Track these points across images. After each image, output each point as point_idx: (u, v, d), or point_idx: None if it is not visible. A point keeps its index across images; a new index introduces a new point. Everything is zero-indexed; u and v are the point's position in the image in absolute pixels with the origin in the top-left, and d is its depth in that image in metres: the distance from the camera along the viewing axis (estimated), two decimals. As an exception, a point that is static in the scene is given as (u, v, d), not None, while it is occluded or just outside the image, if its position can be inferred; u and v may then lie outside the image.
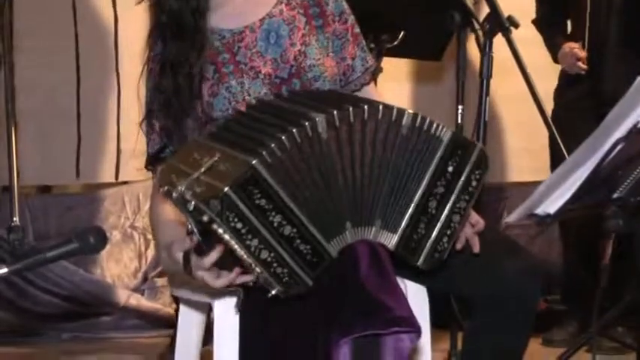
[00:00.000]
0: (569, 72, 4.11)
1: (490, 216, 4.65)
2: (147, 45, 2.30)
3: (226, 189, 1.86)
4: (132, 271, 4.51)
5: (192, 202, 1.89)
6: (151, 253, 4.54)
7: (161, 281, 4.42)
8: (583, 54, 4.05)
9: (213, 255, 1.94)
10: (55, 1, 4.38)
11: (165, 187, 1.99)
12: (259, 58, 2.27)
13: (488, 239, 2.23)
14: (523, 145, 4.95)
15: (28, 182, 4.39)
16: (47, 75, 4.34)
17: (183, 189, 1.91)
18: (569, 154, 2.95)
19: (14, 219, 3.17)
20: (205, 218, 1.88)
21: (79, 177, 4.45)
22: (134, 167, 4.22)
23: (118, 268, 4.49)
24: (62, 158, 4.40)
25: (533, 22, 4.18)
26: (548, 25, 4.21)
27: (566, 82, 4.16)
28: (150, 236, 4.49)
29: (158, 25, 2.28)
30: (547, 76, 4.16)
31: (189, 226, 1.95)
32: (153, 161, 2.32)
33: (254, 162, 1.88)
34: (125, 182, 4.57)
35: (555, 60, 4.18)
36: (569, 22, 4.27)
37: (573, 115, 3.97)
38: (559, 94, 4.17)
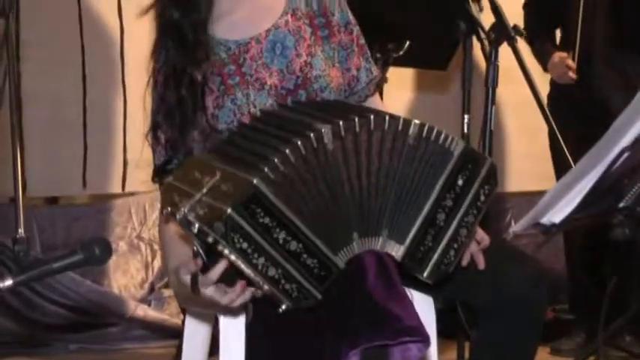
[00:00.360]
0: (558, 81, 4.10)
1: (495, 224, 4.65)
2: (152, 56, 2.29)
3: (229, 210, 1.84)
4: (138, 281, 4.51)
5: (196, 225, 1.88)
6: (157, 263, 4.54)
7: (168, 292, 4.42)
8: (573, 64, 4.04)
9: (219, 267, 1.93)
10: (62, 11, 4.39)
11: (168, 209, 1.97)
12: (265, 70, 2.25)
13: (494, 248, 2.22)
14: (528, 154, 4.94)
15: (35, 194, 4.39)
16: (53, 85, 4.35)
17: (186, 211, 1.90)
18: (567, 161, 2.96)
19: (19, 230, 3.17)
20: (210, 240, 1.87)
21: (85, 188, 4.46)
22: (140, 178, 4.25)
23: (125, 278, 4.49)
24: (68, 169, 4.41)
25: None
26: (537, 34, 4.19)
27: (557, 91, 4.14)
28: (156, 247, 4.49)
29: (162, 36, 2.28)
30: (547, 83, 4.16)
31: (195, 248, 1.94)
32: (159, 173, 2.31)
33: (255, 181, 1.86)
34: (132, 193, 4.58)
35: (545, 69, 4.17)
36: (557, 32, 4.26)
37: (567, 123, 3.95)
38: (551, 103, 4.16)
